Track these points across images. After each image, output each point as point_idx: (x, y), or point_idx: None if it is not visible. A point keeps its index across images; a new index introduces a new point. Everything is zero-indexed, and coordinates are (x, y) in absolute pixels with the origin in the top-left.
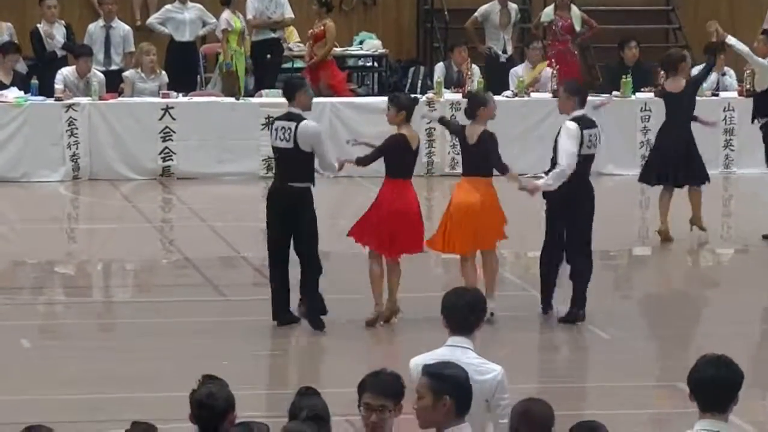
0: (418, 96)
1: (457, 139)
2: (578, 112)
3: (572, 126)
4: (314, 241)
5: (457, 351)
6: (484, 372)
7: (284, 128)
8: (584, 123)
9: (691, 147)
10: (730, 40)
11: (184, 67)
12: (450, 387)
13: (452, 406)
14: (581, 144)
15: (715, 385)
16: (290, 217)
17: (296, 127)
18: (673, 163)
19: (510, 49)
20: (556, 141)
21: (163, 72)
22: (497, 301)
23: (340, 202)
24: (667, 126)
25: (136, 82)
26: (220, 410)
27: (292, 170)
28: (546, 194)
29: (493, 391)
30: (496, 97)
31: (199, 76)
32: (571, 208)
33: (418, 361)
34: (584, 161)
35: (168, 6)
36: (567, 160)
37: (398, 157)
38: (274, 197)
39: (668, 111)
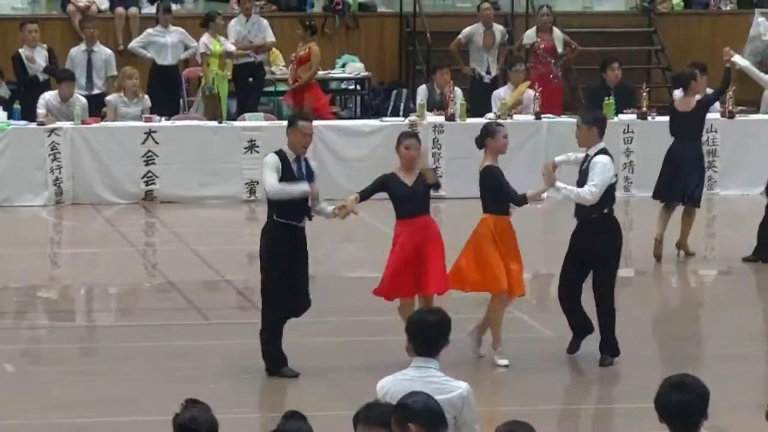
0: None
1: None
2: (601, 145)
3: (607, 160)
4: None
5: (422, 371)
6: (448, 390)
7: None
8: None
9: (698, 166)
10: (737, 59)
11: (167, 90)
12: (411, 414)
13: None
14: (616, 175)
15: (682, 409)
16: (294, 255)
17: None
18: (681, 180)
19: (494, 71)
20: (582, 173)
21: (146, 96)
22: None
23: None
24: (677, 144)
25: (118, 106)
26: None
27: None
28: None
29: (460, 408)
30: (479, 120)
31: (181, 100)
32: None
33: (383, 383)
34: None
35: (150, 30)
36: (597, 192)
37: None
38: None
39: (676, 129)
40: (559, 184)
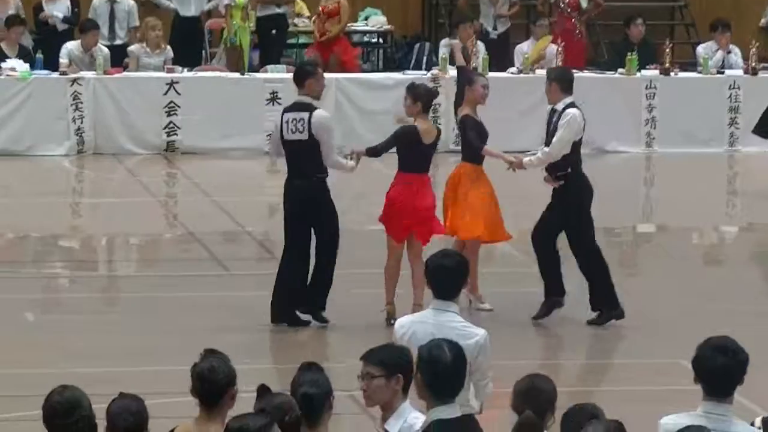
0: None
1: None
2: (569, 99)
3: (578, 114)
4: (336, 236)
5: (441, 315)
6: (467, 336)
7: (296, 119)
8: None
9: None
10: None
11: (189, 42)
12: (422, 366)
13: (423, 383)
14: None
15: (721, 372)
16: (311, 212)
17: (309, 117)
18: None
19: (500, 27)
20: (551, 124)
21: (168, 47)
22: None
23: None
24: None
25: (141, 57)
26: (221, 384)
27: (308, 162)
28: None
29: (476, 354)
30: (501, 74)
31: (204, 51)
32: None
33: (402, 322)
34: (579, 148)
35: None
36: (559, 149)
37: (408, 149)
38: (291, 193)
39: None
40: (525, 160)
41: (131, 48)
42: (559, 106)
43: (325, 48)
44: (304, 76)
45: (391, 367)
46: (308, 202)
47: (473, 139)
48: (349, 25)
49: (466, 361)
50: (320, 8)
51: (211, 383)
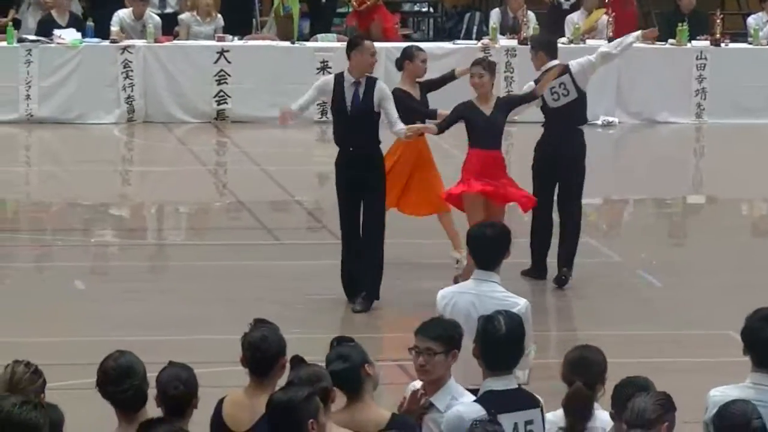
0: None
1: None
2: (552, 63)
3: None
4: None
5: (483, 285)
6: (509, 306)
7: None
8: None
9: None
10: None
11: (240, 10)
12: (478, 338)
13: (479, 355)
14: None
15: None
16: (359, 184)
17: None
18: None
19: None
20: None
21: (219, 15)
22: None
23: None
24: None
25: (191, 26)
26: (271, 354)
27: (370, 134)
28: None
29: None
30: None
31: (254, 20)
32: (559, 162)
33: (444, 293)
34: (555, 114)
35: None
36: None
37: (471, 124)
38: (342, 166)
39: None
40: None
41: (182, 16)
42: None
43: (363, 17)
44: (351, 47)
45: (450, 342)
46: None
47: (419, 108)
48: None
49: (523, 334)
50: None
51: (263, 353)
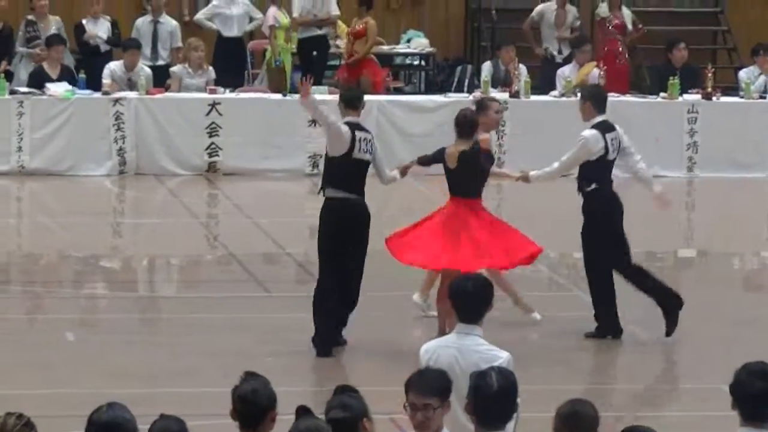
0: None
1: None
2: (598, 118)
3: (591, 136)
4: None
5: (466, 338)
6: (491, 359)
7: (367, 140)
8: (604, 128)
9: None
10: None
11: (232, 62)
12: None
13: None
14: (606, 150)
15: (758, 397)
16: (358, 233)
17: (372, 139)
18: None
19: (565, 50)
20: None
21: (210, 68)
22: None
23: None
24: None
25: (183, 78)
26: (262, 407)
27: (363, 181)
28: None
29: None
30: (543, 98)
31: (246, 72)
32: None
33: (427, 348)
34: (608, 166)
35: (215, 2)
36: (563, 167)
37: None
38: (347, 212)
39: None
40: (531, 174)
41: (174, 69)
42: (588, 125)
43: (353, 69)
44: (361, 100)
45: (444, 393)
46: (364, 220)
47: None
48: (391, 46)
49: (515, 390)
50: (348, 29)
51: (253, 406)
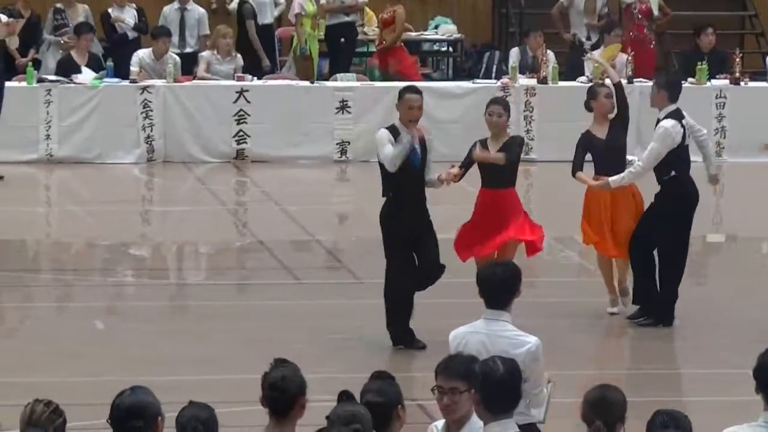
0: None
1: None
2: (671, 107)
3: (670, 126)
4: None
5: (493, 324)
6: (518, 345)
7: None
8: (678, 115)
9: None
10: None
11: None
12: (478, 382)
13: (479, 400)
14: (684, 137)
15: None
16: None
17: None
18: None
19: (594, 37)
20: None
21: (239, 55)
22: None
23: None
24: None
25: (212, 63)
26: (292, 394)
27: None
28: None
29: (527, 362)
30: (572, 84)
31: (275, 60)
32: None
33: (455, 334)
34: (685, 153)
35: None
36: (649, 163)
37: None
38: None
39: None
40: (613, 179)
41: (203, 54)
42: (661, 115)
43: (382, 57)
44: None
45: (472, 379)
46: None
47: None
48: (419, 33)
49: (520, 376)
50: (379, 17)
51: (283, 392)
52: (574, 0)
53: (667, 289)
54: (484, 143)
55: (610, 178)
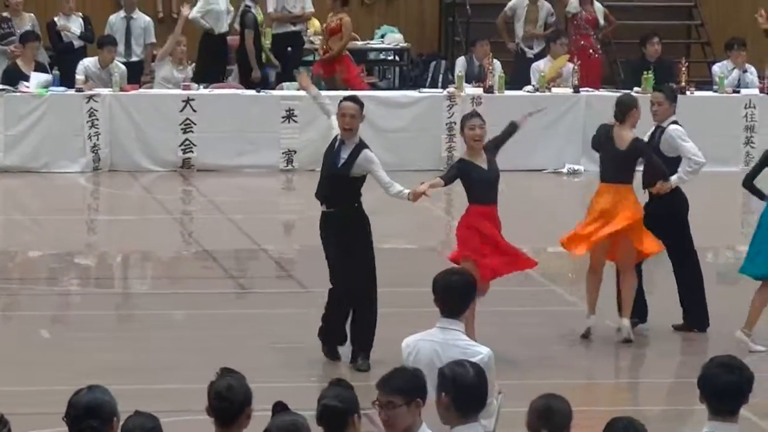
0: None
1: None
2: (673, 117)
3: (681, 128)
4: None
5: (447, 333)
6: (471, 355)
7: None
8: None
9: None
10: None
11: (219, 59)
12: (447, 385)
13: (449, 403)
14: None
15: (725, 390)
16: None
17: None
18: None
19: (537, 47)
20: (656, 150)
21: (191, 64)
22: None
23: None
24: None
25: (173, 72)
26: (238, 403)
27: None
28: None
29: None
30: (518, 93)
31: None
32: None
33: (408, 342)
34: (679, 162)
35: None
36: (696, 159)
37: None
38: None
39: None
40: (673, 179)
41: (161, 62)
42: (665, 124)
43: (328, 66)
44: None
45: (410, 392)
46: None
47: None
48: (365, 42)
49: (486, 378)
50: (323, 25)
51: (229, 402)
52: (518, 9)
53: (695, 294)
54: (466, 162)
55: (672, 179)
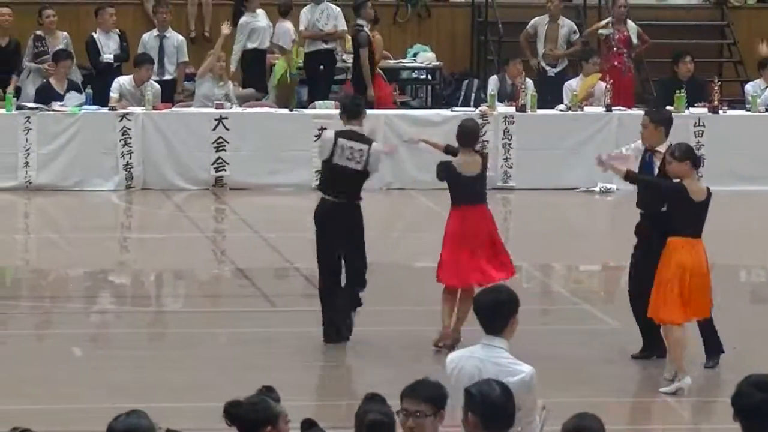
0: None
1: None
2: (667, 143)
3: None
4: (364, 257)
5: (489, 350)
6: (513, 373)
7: (353, 149)
8: None
9: None
10: None
11: (259, 75)
12: (474, 404)
13: (477, 422)
14: None
15: (758, 409)
16: (346, 233)
17: (369, 149)
18: None
19: (559, 65)
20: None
21: (230, 82)
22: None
23: (391, 214)
24: None
25: (213, 87)
26: (257, 421)
27: (356, 189)
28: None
29: (520, 391)
30: (549, 111)
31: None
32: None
33: (452, 357)
34: None
35: (243, 19)
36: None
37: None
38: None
39: None
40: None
41: (201, 78)
42: (662, 148)
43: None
44: (360, 109)
45: (438, 403)
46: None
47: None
48: (397, 60)
49: (513, 396)
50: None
51: (239, 420)
52: (539, 28)
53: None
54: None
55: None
